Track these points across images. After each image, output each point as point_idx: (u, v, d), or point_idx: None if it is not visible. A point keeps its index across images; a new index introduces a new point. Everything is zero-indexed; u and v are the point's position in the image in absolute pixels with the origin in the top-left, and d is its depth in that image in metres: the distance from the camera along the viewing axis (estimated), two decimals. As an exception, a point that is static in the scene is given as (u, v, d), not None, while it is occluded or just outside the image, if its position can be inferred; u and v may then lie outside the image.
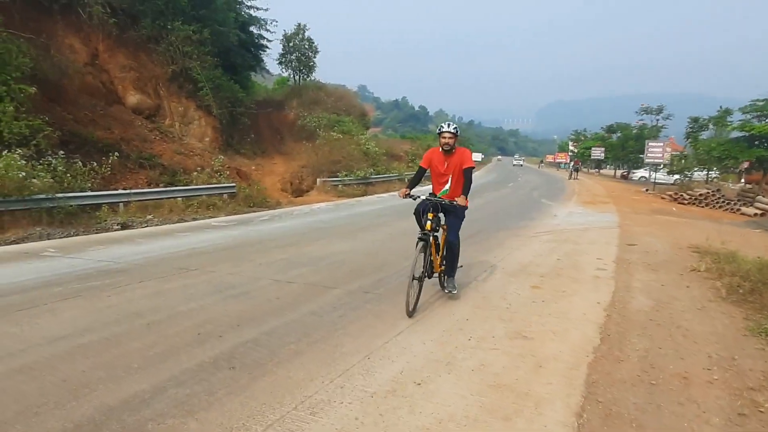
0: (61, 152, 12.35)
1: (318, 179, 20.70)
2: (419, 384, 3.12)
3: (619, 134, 49.24)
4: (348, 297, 5.08)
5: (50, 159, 11.70)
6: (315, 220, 11.56)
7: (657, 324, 4.46)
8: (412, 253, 4.59)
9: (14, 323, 4.15)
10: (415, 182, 5.24)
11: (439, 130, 4.92)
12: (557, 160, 73.82)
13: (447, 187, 4.99)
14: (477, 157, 64.73)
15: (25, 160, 10.49)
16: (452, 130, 4.85)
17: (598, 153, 49.45)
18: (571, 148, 70.07)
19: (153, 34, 18.82)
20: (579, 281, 5.94)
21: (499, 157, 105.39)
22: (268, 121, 28.22)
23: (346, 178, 21.19)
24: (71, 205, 10.82)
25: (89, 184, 12.15)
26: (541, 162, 72.26)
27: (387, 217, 12.53)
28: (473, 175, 5.02)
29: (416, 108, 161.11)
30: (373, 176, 23.17)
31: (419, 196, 4.98)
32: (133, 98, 18.94)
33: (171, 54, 19.18)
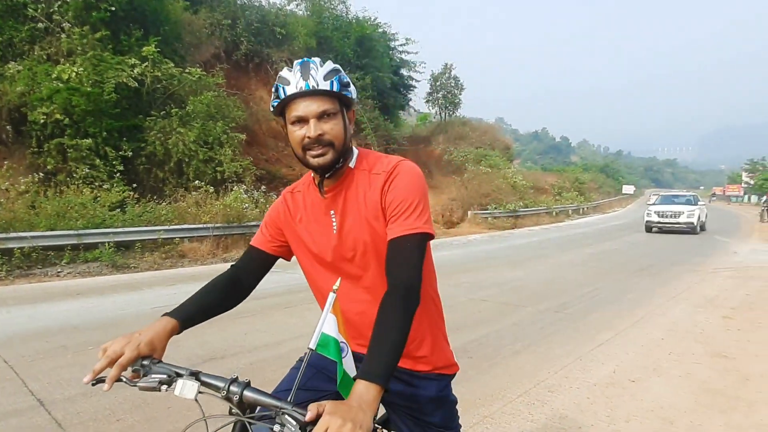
0: (263, 187, 14.94)
1: (469, 212, 21.57)
2: (633, 381, 3.73)
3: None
4: (541, 314, 5.78)
5: (254, 193, 14.25)
6: (478, 250, 12.40)
7: None
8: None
9: (289, 315, 5.60)
10: (217, 292, 1.35)
11: (280, 92, 1.20)
12: (728, 193, 65.84)
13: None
14: (629, 189, 59.95)
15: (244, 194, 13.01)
16: (322, 87, 1.17)
17: (781, 185, 43.35)
18: (745, 179, 62.20)
19: (324, 83, 21.73)
20: (776, 315, 5.89)
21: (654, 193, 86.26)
22: (416, 157, 30.00)
23: (495, 211, 21.83)
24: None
25: (283, 214, 14.51)
26: (713, 196, 64.72)
27: (547, 249, 12.90)
28: None
29: (557, 139, 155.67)
30: (521, 209, 23.43)
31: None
32: (306, 139, 21.87)
33: (338, 100, 21.85)
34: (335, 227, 1.29)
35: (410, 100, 31.35)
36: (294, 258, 1.44)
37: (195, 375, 1.04)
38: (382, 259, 1.22)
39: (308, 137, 1.18)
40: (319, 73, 1.17)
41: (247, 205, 12.24)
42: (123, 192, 11.06)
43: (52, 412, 3.25)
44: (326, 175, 1.25)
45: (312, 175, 1.33)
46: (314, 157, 1.20)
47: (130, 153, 12.01)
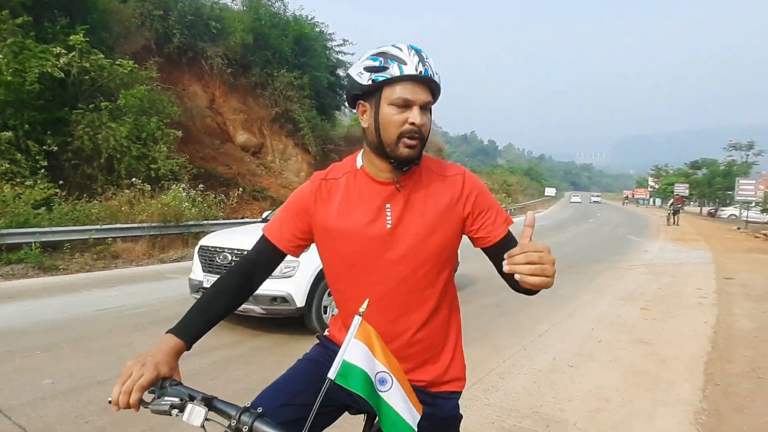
0: (201, 186, 14.50)
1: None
2: (572, 366, 4.18)
3: (704, 171, 47.53)
4: (484, 309, 6.21)
5: (191, 192, 13.82)
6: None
7: (761, 340, 5.21)
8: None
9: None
10: (227, 297, 1.28)
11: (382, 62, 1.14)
12: (636, 196, 71.69)
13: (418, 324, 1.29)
14: (551, 192, 63.63)
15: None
16: (436, 78, 1.16)
17: (681, 189, 47.82)
18: (651, 183, 67.93)
19: (260, 80, 21.33)
20: (684, 306, 6.70)
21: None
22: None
23: (431, 212, 22.48)
24: (212, 231, 12.81)
25: (221, 213, 14.17)
26: (626, 199, 70.30)
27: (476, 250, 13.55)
28: None
29: (485, 142, 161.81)
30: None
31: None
32: (241, 137, 21.42)
33: (275, 98, 21.51)
34: (389, 221, 1.21)
35: (346, 100, 31.45)
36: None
37: (208, 400, 0.98)
38: (436, 263, 1.24)
39: (412, 123, 1.13)
40: (431, 63, 1.15)
41: (185, 204, 11.89)
42: (48, 189, 10.39)
43: (13, 417, 3.16)
44: (404, 168, 1.20)
45: (365, 160, 1.26)
46: (408, 147, 1.14)
47: (55, 148, 11.29)
